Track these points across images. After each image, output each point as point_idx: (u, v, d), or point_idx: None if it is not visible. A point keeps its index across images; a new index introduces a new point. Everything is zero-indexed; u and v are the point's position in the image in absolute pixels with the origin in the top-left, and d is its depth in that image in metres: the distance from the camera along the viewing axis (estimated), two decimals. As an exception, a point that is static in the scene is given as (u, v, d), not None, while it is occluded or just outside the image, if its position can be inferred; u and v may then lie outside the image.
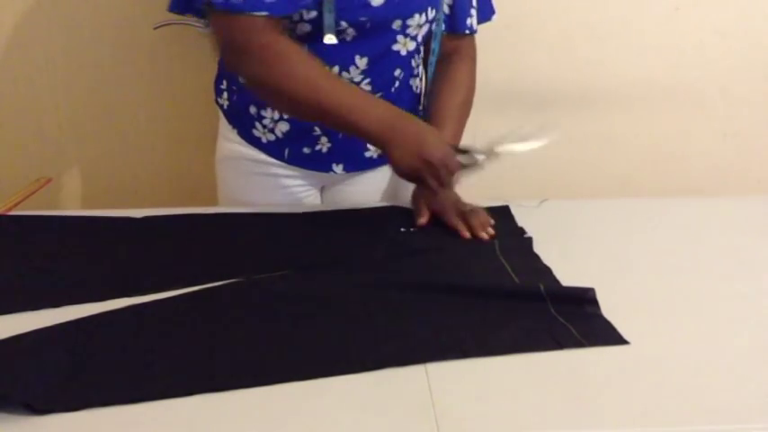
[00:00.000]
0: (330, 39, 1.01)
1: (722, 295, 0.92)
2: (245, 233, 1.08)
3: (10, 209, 1.17)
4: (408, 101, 1.20)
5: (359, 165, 1.22)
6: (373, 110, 0.98)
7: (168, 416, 0.68)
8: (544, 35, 1.58)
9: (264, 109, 1.15)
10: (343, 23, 1.01)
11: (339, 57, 1.06)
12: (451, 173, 0.97)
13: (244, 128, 1.19)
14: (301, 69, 0.97)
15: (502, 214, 1.14)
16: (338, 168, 1.20)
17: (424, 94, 1.25)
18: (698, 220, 1.15)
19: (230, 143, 1.22)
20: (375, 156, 1.21)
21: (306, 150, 1.17)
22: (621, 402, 0.70)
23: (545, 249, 1.03)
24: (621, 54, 1.61)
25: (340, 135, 1.15)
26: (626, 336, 0.80)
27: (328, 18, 0.99)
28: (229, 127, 1.21)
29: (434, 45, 1.15)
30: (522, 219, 1.13)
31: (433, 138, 0.97)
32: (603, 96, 1.65)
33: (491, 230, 1.07)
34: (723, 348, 0.80)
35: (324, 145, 1.17)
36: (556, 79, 1.62)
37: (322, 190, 1.29)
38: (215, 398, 0.70)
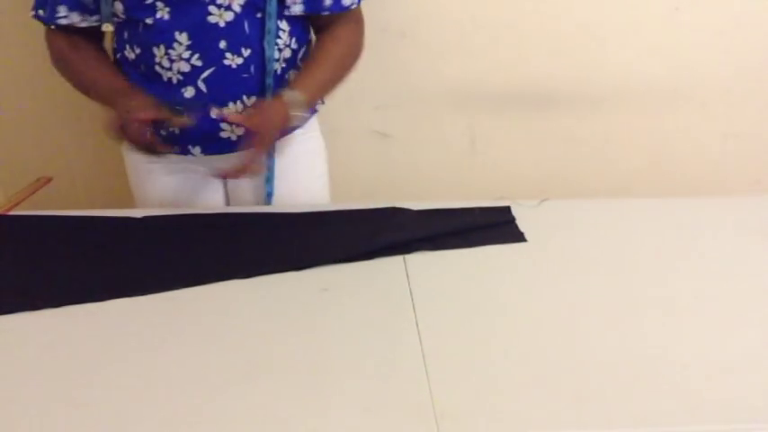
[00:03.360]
0: (107, 27, 1.13)
1: (722, 295, 0.92)
2: (247, 233, 1.08)
3: (10, 209, 1.17)
4: (261, 80, 1.18)
5: (217, 147, 1.21)
6: (105, 86, 1.13)
7: (169, 416, 0.68)
8: (544, 35, 1.58)
9: None
10: None
11: (161, 35, 1.10)
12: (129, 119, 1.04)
13: None
14: (75, 63, 1.16)
15: (502, 217, 1.14)
16: (195, 150, 1.20)
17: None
18: (698, 220, 1.15)
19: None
20: (233, 137, 1.20)
21: (163, 132, 1.18)
22: (621, 402, 0.70)
23: (545, 249, 1.03)
24: (621, 54, 1.61)
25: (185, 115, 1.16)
26: (626, 335, 0.80)
27: (104, 8, 1.11)
28: None
29: (269, 24, 1.13)
30: (522, 219, 1.13)
31: (120, 99, 1.08)
32: (603, 96, 1.65)
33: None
34: (723, 348, 0.80)
35: (174, 127, 1.17)
36: (556, 79, 1.62)
37: (224, 182, 1.30)
38: (215, 398, 0.71)
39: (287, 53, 1.18)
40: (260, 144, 1.06)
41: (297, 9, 1.14)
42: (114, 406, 0.70)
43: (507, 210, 1.16)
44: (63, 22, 1.11)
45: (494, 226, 1.10)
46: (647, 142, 1.69)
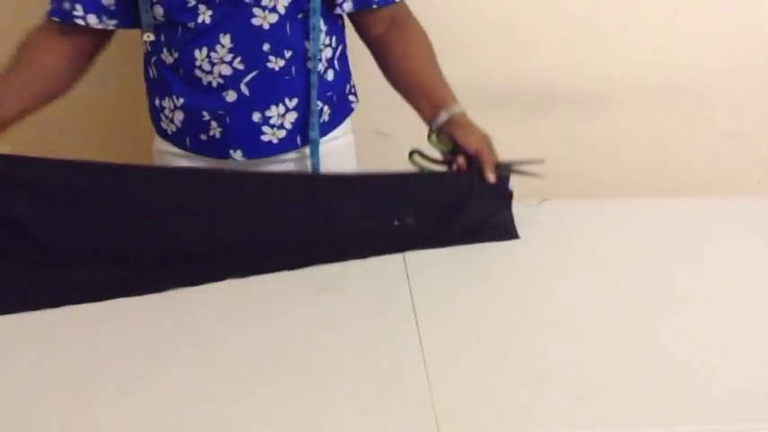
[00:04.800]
0: (148, 36, 1.11)
1: (722, 295, 0.92)
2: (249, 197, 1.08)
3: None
4: (303, 81, 1.16)
5: (258, 150, 1.18)
6: None
7: (168, 416, 0.68)
8: (544, 35, 1.58)
9: (163, 99, 1.17)
10: (192, 1, 1.05)
11: (203, 38, 1.09)
12: None
13: (156, 121, 1.21)
14: (18, 55, 1.13)
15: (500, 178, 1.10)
16: (236, 155, 1.17)
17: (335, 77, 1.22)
18: (698, 220, 1.15)
19: (156, 139, 1.24)
20: (275, 140, 1.18)
21: (203, 137, 1.17)
22: (622, 402, 0.70)
23: (545, 249, 1.03)
24: (621, 54, 1.61)
25: (227, 119, 1.14)
26: (626, 335, 0.80)
27: (145, 17, 1.09)
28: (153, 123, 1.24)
29: (313, 21, 1.12)
30: (522, 219, 1.13)
31: None
32: (603, 96, 1.65)
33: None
34: (723, 348, 0.80)
35: (215, 130, 1.16)
36: (556, 79, 1.62)
37: None
38: (215, 398, 0.71)
39: (327, 52, 1.17)
40: (488, 162, 1.08)
41: (347, 6, 1.13)
42: (113, 406, 0.70)
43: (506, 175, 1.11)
44: (79, 22, 1.08)
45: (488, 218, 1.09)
46: (647, 142, 1.69)
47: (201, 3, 1.06)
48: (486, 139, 1.10)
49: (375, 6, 1.14)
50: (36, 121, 1.63)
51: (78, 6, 1.08)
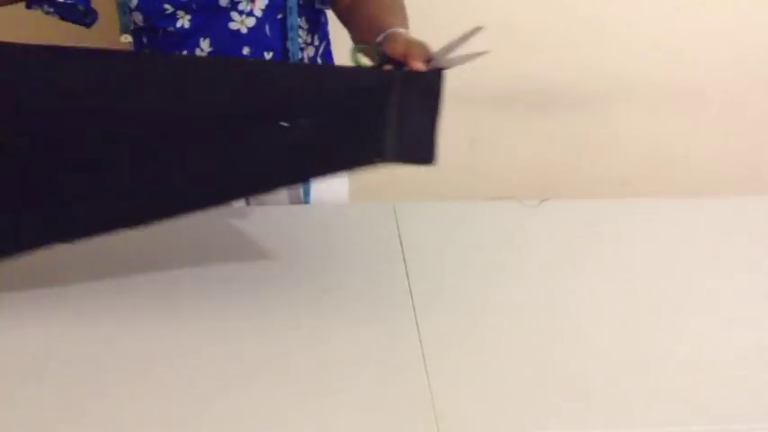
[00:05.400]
0: (125, 38, 1.10)
1: (722, 295, 0.92)
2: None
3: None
4: None
5: None
6: None
7: (168, 416, 0.68)
8: (544, 35, 1.58)
9: None
10: (168, 7, 1.06)
11: (184, 42, 1.10)
12: None
13: None
14: None
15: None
16: None
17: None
18: (698, 220, 1.15)
19: None
20: None
21: None
22: (621, 402, 0.70)
23: (545, 249, 1.03)
24: (622, 54, 1.61)
25: None
26: (626, 335, 0.80)
27: (123, 19, 1.08)
28: None
29: (291, 20, 1.12)
30: (522, 219, 1.13)
31: None
32: (603, 96, 1.65)
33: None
34: (723, 348, 0.80)
35: None
36: (556, 79, 1.62)
37: None
38: (214, 398, 0.71)
39: (310, 51, 1.17)
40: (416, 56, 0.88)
41: None
42: (112, 406, 0.70)
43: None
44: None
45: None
46: (647, 142, 1.69)
47: (180, 9, 1.07)
48: (416, 44, 0.90)
49: None
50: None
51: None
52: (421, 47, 0.89)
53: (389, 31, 0.95)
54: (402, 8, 1.09)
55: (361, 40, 1.03)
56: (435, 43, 1.18)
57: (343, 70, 0.92)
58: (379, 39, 0.95)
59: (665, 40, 1.60)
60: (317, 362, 0.77)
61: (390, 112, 0.81)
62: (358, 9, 1.13)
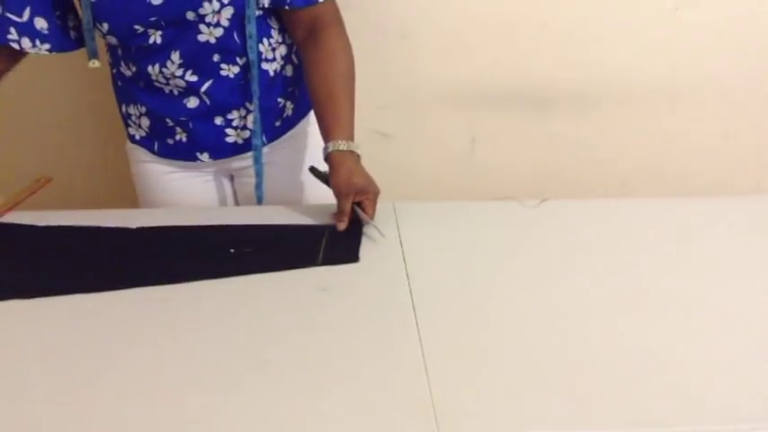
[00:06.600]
0: (94, 63, 1.13)
1: (722, 295, 0.92)
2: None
3: (10, 209, 1.17)
4: (265, 84, 1.18)
5: (225, 151, 1.23)
6: None
7: (167, 416, 0.68)
8: (544, 35, 1.58)
9: (129, 106, 1.21)
10: (138, 27, 1.07)
11: (156, 56, 1.12)
12: None
13: (125, 126, 1.25)
14: None
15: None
16: (203, 156, 1.23)
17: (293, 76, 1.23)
18: (698, 220, 1.15)
19: (128, 145, 1.28)
20: (240, 141, 1.22)
21: (170, 141, 1.21)
22: (621, 402, 0.70)
23: (545, 249, 1.03)
24: (621, 54, 1.61)
25: (191, 125, 1.18)
26: (626, 335, 0.80)
27: (89, 44, 1.11)
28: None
29: (249, 28, 1.11)
30: (522, 219, 1.13)
31: None
32: (603, 96, 1.65)
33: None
34: (723, 348, 0.80)
35: (181, 134, 1.20)
36: (555, 79, 1.63)
37: (231, 178, 1.33)
38: (214, 398, 0.71)
39: (282, 50, 1.18)
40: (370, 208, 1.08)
41: (265, 1, 1.12)
42: (112, 406, 0.70)
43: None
44: (13, 45, 1.07)
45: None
46: (647, 142, 1.69)
47: (150, 27, 1.08)
48: (352, 186, 1.06)
49: (287, 8, 1.12)
50: (36, 122, 1.63)
51: (13, 30, 1.07)
52: (356, 191, 1.06)
53: (332, 150, 1.08)
54: (349, 95, 1.13)
55: (313, 107, 1.16)
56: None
57: (287, 228, 1.10)
58: (325, 152, 1.09)
59: (664, 40, 1.60)
60: (317, 362, 0.77)
61: (322, 243, 1.04)
62: (307, 63, 1.15)
